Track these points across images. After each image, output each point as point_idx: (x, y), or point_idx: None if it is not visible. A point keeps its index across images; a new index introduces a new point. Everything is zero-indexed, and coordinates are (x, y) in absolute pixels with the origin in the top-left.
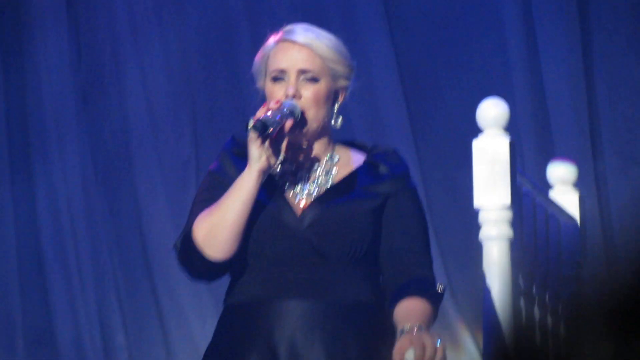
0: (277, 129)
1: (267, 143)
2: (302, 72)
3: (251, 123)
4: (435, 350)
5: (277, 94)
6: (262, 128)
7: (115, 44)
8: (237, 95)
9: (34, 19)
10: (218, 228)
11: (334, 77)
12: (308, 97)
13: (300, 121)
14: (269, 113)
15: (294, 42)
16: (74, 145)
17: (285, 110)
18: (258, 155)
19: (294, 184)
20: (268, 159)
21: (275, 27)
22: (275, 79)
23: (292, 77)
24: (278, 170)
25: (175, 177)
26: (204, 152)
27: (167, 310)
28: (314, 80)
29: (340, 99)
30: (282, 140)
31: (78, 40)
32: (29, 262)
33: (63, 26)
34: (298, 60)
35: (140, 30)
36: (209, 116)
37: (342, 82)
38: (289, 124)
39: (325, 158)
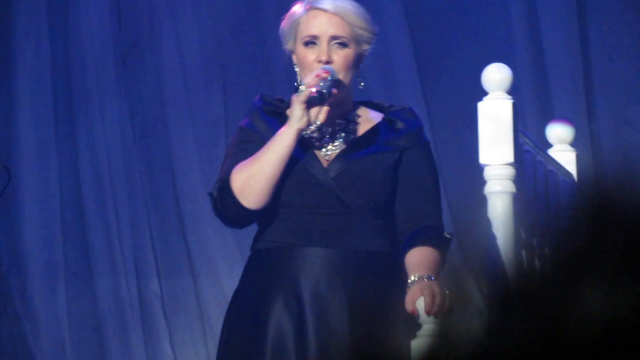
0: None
1: (314, 109)
2: (333, 38)
3: (304, 89)
4: (444, 298)
5: (309, 57)
6: (322, 99)
7: (152, 9)
8: (264, 59)
9: None
10: (255, 179)
11: (359, 42)
12: (339, 62)
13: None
14: (322, 82)
15: (325, 10)
16: (113, 104)
17: (333, 78)
18: (300, 116)
19: (320, 140)
20: (308, 120)
21: None
22: (307, 44)
23: (323, 42)
24: (307, 127)
25: (206, 134)
26: (232, 112)
27: (197, 259)
28: (344, 45)
29: (362, 61)
30: (324, 104)
31: (118, 6)
32: (72, 214)
33: None
34: (329, 26)
35: None
36: (237, 78)
37: (365, 47)
38: (335, 90)
39: (348, 116)
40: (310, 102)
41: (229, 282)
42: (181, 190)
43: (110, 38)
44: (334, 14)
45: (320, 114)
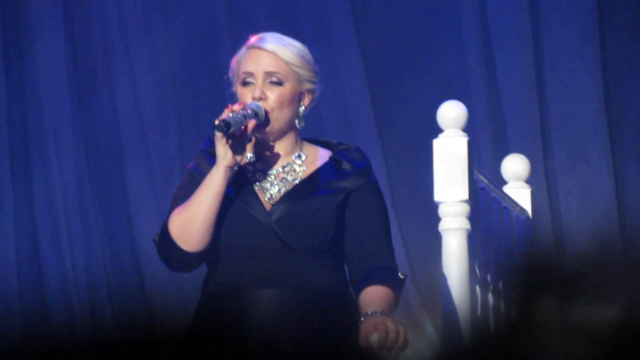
0: (240, 128)
1: (231, 141)
2: (267, 74)
3: (216, 123)
4: (397, 333)
5: (245, 96)
6: (225, 127)
7: (108, 49)
8: (219, 97)
9: (34, 26)
10: (190, 222)
11: (299, 80)
12: (273, 99)
13: (265, 121)
14: (232, 113)
15: (261, 48)
16: (69, 143)
17: (248, 111)
18: (224, 153)
19: (264, 181)
20: (233, 156)
21: (253, 34)
22: (245, 83)
23: (259, 79)
24: (250, 169)
25: (161, 173)
26: (187, 150)
27: (152, 296)
28: (279, 83)
29: (306, 100)
30: (246, 139)
31: (74, 45)
32: (27, 252)
33: (60, 33)
34: (264, 64)
35: (130, 36)
36: (192, 117)
37: (307, 85)
38: (251, 124)
39: (293, 156)
40: (226, 136)
41: (184, 320)
42: (136, 228)
43: (65, 78)
44: (270, 51)
45: (246, 146)
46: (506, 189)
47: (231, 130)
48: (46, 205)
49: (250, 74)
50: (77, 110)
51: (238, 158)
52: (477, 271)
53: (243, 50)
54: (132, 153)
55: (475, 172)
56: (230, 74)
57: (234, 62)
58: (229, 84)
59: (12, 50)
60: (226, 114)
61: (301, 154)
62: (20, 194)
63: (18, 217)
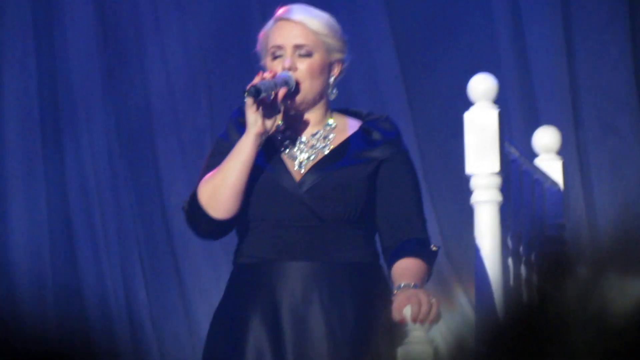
0: (271, 94)
1: (261, 108)
2: (297, 47)
3: (247, 89)
4: (430, 305)
5: (275, 69)
6: (256, 93)
7: (138, 24)
8: (249, 70)
9: (64, 2)
10: (219, 189)
11: (328, 50)
12: (303, 70)
13: (295, 91)
14: (263, 80)
15: (289, 20)
16: (100, 118)
17: (279, 79)
18: (254, 120)
19: (293, 151)
20: (263, 123)
21: (281, 6)
22: (275, 57)
23: (288, 51)
24: (279, 137)
25: (192, 146)
26: (218, 123)
27: (184, 269)
28: (308, 55)
29: (336, 70)
30: (277, 107)
31: (104, 20)
32: (59, 226)
33: (89, 6)
34: (293, 36)
35: (160, 10)
36: (223, 90)
37: (337, 55)
38: (282, 91)
39: (323, 125)
40: (257, 103)
41: (216, 292)
42: (168, 201)
43: (95, 52)
44: (298, 22)
45: (276, 114)
46: (537, 161)
47: (262, 96)
48: (78, 179)
49: (280, 47)
50: (107, 84)
51: (268, 125)
52: (510, 243)
53: (271, 23)
54: (163, 126)
55: (506, 144)
56: (258, 47)
57: (261, 35)
58: (257, 56)
59: (42, 25)
60: (257, 81)
61: (331, 123)
62: (52, 168)
63: (50, 192)
